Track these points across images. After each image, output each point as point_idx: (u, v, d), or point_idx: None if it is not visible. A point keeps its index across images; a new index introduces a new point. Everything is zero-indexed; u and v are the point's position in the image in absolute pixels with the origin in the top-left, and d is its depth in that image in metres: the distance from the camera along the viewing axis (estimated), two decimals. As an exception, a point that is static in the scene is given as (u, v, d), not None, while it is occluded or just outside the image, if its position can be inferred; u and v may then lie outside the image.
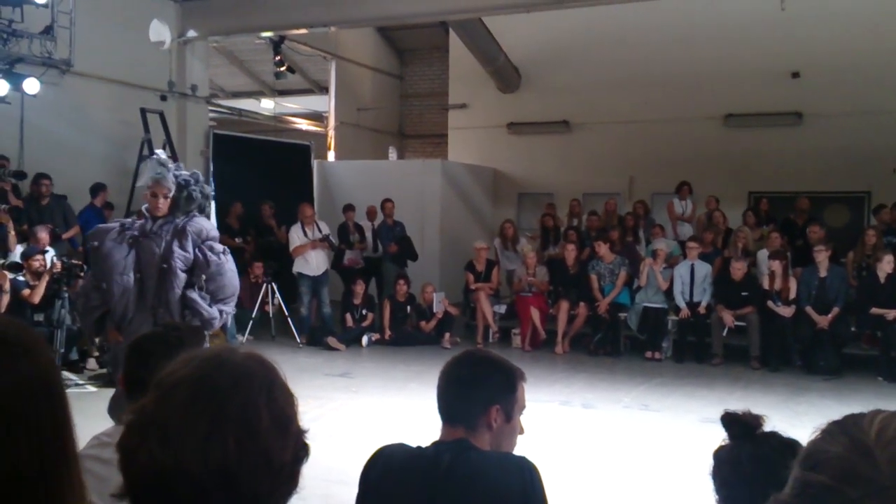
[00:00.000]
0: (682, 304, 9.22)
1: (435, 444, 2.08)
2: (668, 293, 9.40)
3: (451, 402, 2.09)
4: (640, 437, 5.84)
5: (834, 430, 0.84)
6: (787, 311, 8.62)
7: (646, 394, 7.40)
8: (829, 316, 8.41)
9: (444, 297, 9.97)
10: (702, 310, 9.11)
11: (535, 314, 9.56)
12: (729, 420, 1.59)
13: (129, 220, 4.26)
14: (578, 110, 13.12)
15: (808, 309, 8.53)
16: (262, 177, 11.40)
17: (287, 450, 0.94)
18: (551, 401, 6.93)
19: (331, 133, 14.44)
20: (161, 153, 4.29)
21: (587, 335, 9.62)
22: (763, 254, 9.46)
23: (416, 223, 11.54)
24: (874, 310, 8.30)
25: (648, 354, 9.11)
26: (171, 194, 4.09)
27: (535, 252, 10.27)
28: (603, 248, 9.71)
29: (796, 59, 11.73)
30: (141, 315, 4.00)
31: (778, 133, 12.05)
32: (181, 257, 4.05)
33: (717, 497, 1.57)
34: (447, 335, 9.67)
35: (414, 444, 2.11)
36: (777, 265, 8.83)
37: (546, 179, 13.21)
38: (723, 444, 1.60)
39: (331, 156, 14.26)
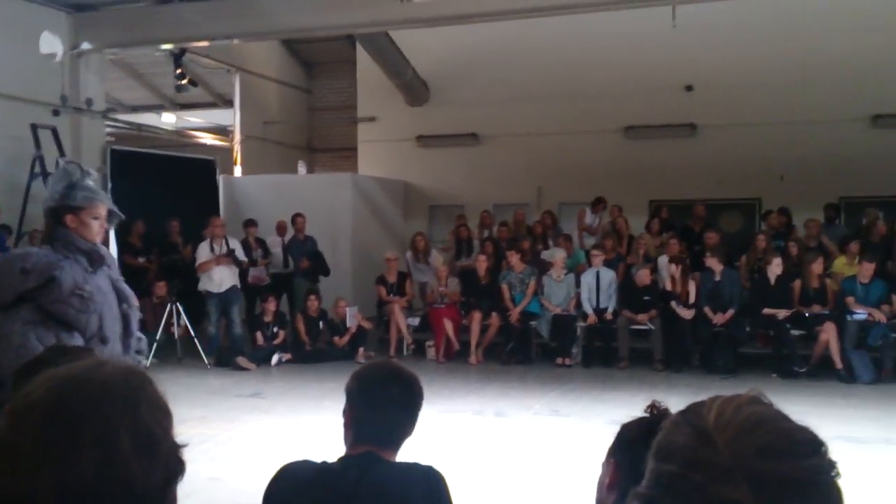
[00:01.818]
0: (589, 310, 9.48)
1: (341, 458, 2.08)
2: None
3: (387, 426, 2.06)
4: (550, 442, 5.97)
5: (680, 421, 0.87)
6: (687, 314, 9.01)
7: (556, 399, 7.56)
8: (726, 315, 8.83)
9: (358, 312, 9.91)
10: (608, 315, 9.40)
11: (449, 325, 9.64)
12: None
13: (39, 249, 3.14)
14: (487, 123, 13.32)
15: (706, 309, 8.94)
16: (164, 193, 11.04)
17: (155, 472, 0.89)
18: (465, 411, 6.99)
19: (236, 147, 14.15)
20: (73, 163, 3.22)
21: (500, 344, 9.76)
22: (664, 259, 9.85)
23: (328, 238, 11.43)
24: (766, 310, 8.77)
25: (559, 361, 9.32)
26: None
27: (446, 264, 10.36)
28: (514, 258, 9.90)
29: (689, 74, 12.26)
30: None
31: (674, 144, 12.57)
32: (130, 292, 3.26)
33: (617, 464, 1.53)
34: (361, 350, 9.61)
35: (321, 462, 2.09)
36: (675, 269, 9.23)
37: (456, 191, 13.35)
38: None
39: (237, 170, 13.97)
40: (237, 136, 14.19)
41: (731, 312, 8.87)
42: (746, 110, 11.90)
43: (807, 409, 6.96)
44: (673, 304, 9.10)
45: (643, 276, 9.29)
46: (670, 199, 12.14)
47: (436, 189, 13.66)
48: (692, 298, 9.11)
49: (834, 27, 11.08)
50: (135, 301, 3.26)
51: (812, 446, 0.83)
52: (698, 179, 12.17)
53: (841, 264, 9.38)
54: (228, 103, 14.76)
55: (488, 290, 9.88)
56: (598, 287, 9.56)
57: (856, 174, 11.46)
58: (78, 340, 2.92)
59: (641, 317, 9.18)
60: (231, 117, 14.41)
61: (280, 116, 15.02)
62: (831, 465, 0.83)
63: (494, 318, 9.63)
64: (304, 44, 15.23)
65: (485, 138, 13.40)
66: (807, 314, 8.73)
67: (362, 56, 13.35)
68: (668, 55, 11.89)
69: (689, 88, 12.41)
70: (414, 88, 13.37)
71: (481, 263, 10.06)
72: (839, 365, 8.31)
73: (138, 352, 3.30)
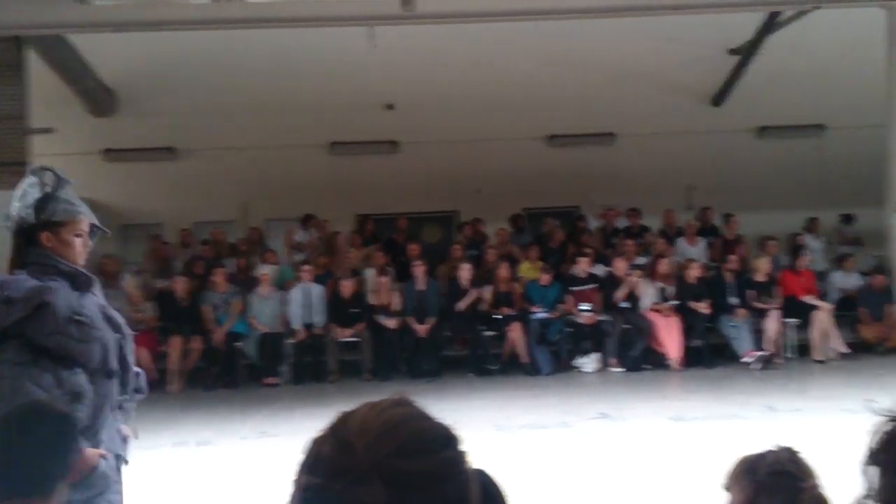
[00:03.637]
0: (298, 326, 9.36)
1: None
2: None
3: (32, 472, 1.81)
4: (256, 467, 5.73)
5: (326, 433, 0.90)
6: (392, 324, 9.29)
7: (265, 421, 7.31)
8: (427, 325, 9.26)
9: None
10: (318, 330, 9.35)
11: (144, 354, 8.86)
12: None
13: (23, 275, 2.51)
14: (185, 136, 12.62)
15: (410, 319, 9.30)
16: None
17: None
18: (163, 444, 6.44)
19: None
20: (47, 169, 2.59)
21: (203, 369, 9.22)
22: (370, 271, 10.07)
23: (-6, 264, 9.93)
24: (459, 305, 9.36)
25: (267, 381, 9.05)
26: None
27: (141, 287, 9.57)
28: (219, 277, 9.46)
29: (390, 93, 12.73)
30: (112, 413, 2.63)
31: (378, 160, 12.98)
32: (122, 320, 2.76)
33: None
34: (39, 389, 8.46)
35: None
36: (382, 281, 9.49)
37: (152, 209, 12.43)
38: None
39: None
40: None
41: (432, 320, 9.32)
42: (443, 128, 12.64)
43: (499, 403, 7.57)
44: (378, 316, 9.34)
45: (345, 286, 9.42)
46: (376, 212, 12.48)
47: (128, 207, 12.59)
48: (396, 308, 9.42)
49: (517, 56, 12.16)
50: (128, 330, 2.70)
51: (444, 441, 0.88)
52: (401, 193, 12.67)
53: (525, 269, 10.34)
54: None
55: (189, 313, 9.30)
56: (307, 302, 9.47)
57: (536, 187, 12.75)
58: (81, 377, 2.40)
59: (347, 331, 9.27)
60: None
61: (-72, 125, 12.79)
62: (462, 455, 0.89)
63: (196, 342, 9.08)
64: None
65: (183, 152, 12.69)
66: (497, 316, 9.46)
67: (34, 60, 11.87)
68: (369, 74, 12.20)
69: (390, 107, 12.88)
70: (98, 97, 12.23)
71: (180, 285, 9.45)
72: (525, 360, 9.14)
73: (137, 390, 2.75)
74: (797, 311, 9.49)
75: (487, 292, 9.60)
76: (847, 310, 9.90)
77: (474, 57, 12.31)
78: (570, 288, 9.61)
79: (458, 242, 10.94)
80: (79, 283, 2.56)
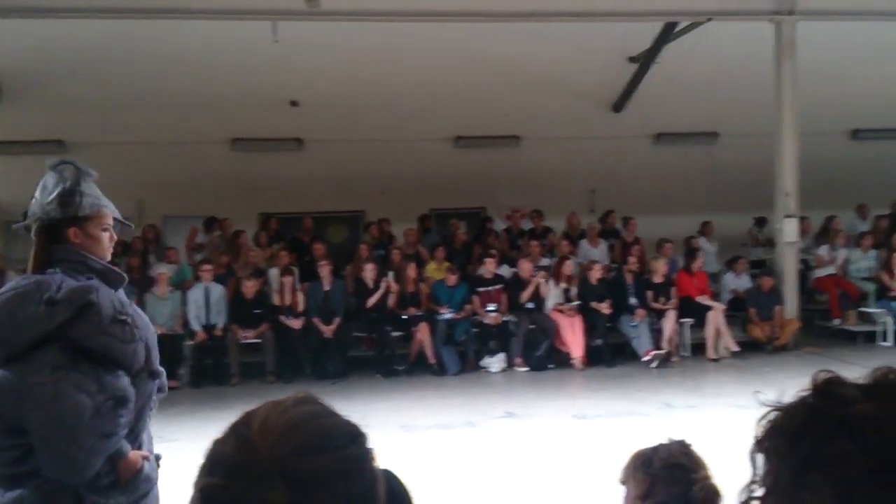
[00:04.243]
0: (197, 327, 9.05)
1: None
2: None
3: None
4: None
5: (228, 432, 0.87)
6: (296, 324, 9.11)
7: (163, 426, 6.94)
8: (333, 325, 9.14)
9: None
10: (218, 332, 9.07)
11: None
12: None
13: (59, 274, 2.28)
14: (76, 129, 11.99)
15: (316, 320, 9.14)
16: None
17: None
18: (49, 453, 6.08)
19: None
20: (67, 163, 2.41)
21: (95, 373, 8.76)
22: (274, 271, 9.85)
23: None
24: (369, 302, 9.28)
25: (164, 384, 8.70)
26: None
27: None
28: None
29: (294, 89, 12.48)
30: (147, 414, 2.50)
31: (282, 157, 12.71)
32: (147, 319, 2.61)
33: None
34: None
35: None
36: (286, 281, 9.29)
37: (39, 205, 11.72)
38: None
39: None
40: None
41: (338, 321, 9.20)
42: (349, 126, 12.50)
43: (406, 403, 7.53)
44: (282, 317, 9.14)
45: (248, 287, 9.18)
46: (280, 211, 12.22)
47: (13, 202, 11.80)
48: (301, 308, 9.25)
49: (424, 56, 12.10)
50: (153, 329, 2.55)
51: (349, 438, 0.87)
52: (306, 192, 12.46)
53: (432, 269, 10.35)
54: None
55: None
56: (207, 303, 9.17)
57: (443, 188, 12.78)
58: (124, 380, 2.26)
59: (250, 332, 9.02)
60: None
61: None
62: (368, 452, 0.88)
63: (88, 345, 8.62)
64: None
65: (73, 146, 12.03)
66: (404, 316, 9.43)
67: None
68: (273, 69, 11.91)
69: (294, 104, 12.63)
70: (-19, 85, 11.46)
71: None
72: (432, 360, 9.14)
73: (159, 389, 2.56)
74: (692, 311, 9.89)
75: (393, 282, 9.56)
76: (738, 310, 10.39)
77: (381, 56, 12.21)
78: (477, 289, 9.67)
79: (365, 242, 10.83)
80: (111, 281, 2.41)
